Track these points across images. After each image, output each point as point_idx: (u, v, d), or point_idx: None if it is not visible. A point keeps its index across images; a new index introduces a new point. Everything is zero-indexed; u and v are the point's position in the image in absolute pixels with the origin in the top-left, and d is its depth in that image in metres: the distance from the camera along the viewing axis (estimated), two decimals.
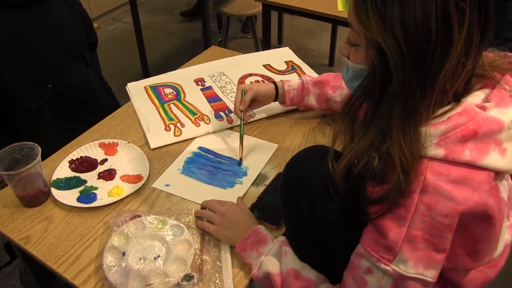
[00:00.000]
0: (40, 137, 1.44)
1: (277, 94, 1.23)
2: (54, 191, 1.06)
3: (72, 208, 1.03)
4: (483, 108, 0.66)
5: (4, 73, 1.34)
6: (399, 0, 0.61)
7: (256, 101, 1.22)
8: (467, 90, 0.70)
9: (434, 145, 0.64)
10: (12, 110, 1.41)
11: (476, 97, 0.69)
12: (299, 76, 1.41)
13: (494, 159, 0.64)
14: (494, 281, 0.80)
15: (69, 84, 1.49)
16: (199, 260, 0.92)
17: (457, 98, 0.68)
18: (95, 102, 1.56)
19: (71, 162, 1.15)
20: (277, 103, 1.27)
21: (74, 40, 1.51)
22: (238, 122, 1.28)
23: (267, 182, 1.09)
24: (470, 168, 0.63)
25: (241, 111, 1.18)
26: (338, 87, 1.22)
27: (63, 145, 1.21)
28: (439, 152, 0.63)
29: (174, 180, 1.11)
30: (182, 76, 1.50)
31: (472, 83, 0.72)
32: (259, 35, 2.62)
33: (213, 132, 1.26)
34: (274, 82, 1.24)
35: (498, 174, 0.67)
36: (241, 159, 1.15)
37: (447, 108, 0.67)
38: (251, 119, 1.30)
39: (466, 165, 0.63)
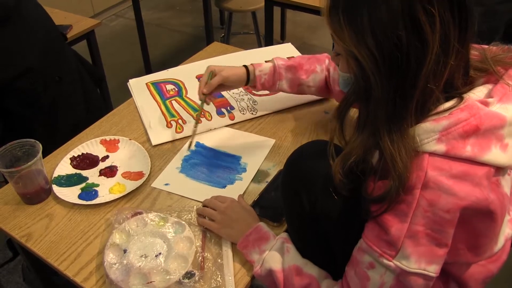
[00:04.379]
0: (57, 131, 1.48)
1: (249, 79, 1.18)
2: (55, 188, 1.06)
3: (73, 205, 1.03)
4: (485, 103, 0.65)
5: (15, 88, 1.36)
6: (367, 9, 0.62)
7: (223, 86, 1.16)
8: (467, 83, 0.70)
9: (435, 141, 0.63)
10: (28, 111, 1.43)
11: (478, 93, 0.69)
12: None
13: (495, 154, 0.64)
14: (496, 278, 0.79)
15: (68, 67, 1.54)
16: (200, 258, 0.91)
17: (458, 91, 0.68)
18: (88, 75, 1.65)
19: (72, 159, 1.15)
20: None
21: (53, 26, 1.56)
22: (241, 119, 1.27)
23: (269, 179, 1.09)
24: (471, 163, 0.63)
25: (204, 94, 1.13)
26: (312, 71, 1.19)
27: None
28: (440, 147, 0.63)
29: (173, 179, 1.10)
30: (184, 72, 1.50)
31: (474, 77, 0.72)
32: (262, 31, 2.61)
33: (215, 129, 1.25)
34: (245, 66, 1.18)
35: (500, 169, 0.67)
36: (190, 144, 1.16)
37: (449, 104, 0.66)
38: (253, 116, 1.29)
39: (467, 161, 0.63)
